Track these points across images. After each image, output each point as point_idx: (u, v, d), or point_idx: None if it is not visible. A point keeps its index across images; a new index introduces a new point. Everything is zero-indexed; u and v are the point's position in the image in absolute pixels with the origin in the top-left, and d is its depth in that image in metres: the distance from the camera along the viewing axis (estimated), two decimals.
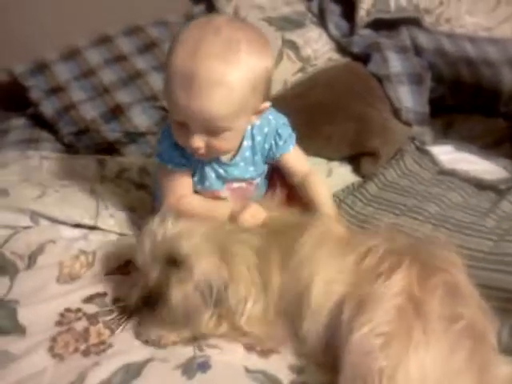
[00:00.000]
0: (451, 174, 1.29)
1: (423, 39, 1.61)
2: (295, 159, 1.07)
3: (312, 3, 1.71)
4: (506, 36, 1.78)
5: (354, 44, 1.59)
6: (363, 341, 0.77)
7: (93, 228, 1.13)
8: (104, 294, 0.99)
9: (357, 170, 1.38)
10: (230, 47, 0.83)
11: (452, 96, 1.60)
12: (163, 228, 0.89)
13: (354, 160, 1.40)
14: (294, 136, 1.05)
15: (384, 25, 1.64)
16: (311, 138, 1.37)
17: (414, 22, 1.66)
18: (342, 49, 1.62)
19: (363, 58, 1.57)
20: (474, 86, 1.61)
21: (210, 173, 1.00)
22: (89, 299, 0.97)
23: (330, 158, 1.40)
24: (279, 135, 1.02)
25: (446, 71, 1.59)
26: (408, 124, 1.48)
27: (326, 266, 0.84)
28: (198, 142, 0.89)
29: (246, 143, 1.00)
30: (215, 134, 0.89)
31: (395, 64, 1.52)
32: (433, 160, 1.36)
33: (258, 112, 0.94)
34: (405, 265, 0.80)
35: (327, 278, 0.83)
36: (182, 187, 1.00)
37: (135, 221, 1.17)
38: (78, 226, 1.13)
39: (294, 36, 1.58)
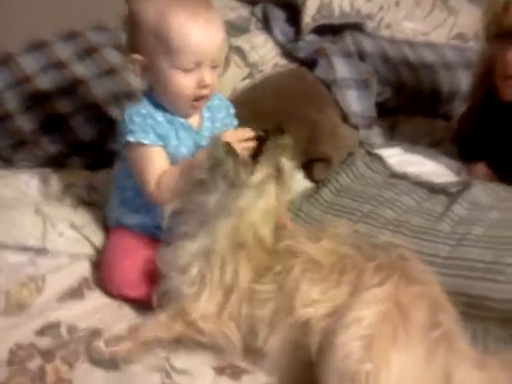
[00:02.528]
0: (402, 177, 1.32)
1: (367, 44, 1.65)
2: None
3: (256, 8, 1.69)
4: (440, 40, 1.86)
5: (300, 49, 1.59)
6: (348, 343, 0.77)
7: (41, 251, 1.06)
8: (58, 324, 0.92)
9: (309, 175, 1.39)
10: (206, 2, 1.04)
11: (396, 98, 1.64)
12: None
13: (307, 166, 1.40)
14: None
15: (328, 30, 1.65)
16: None
17: (357, 28, 1.69)
18: (288, 54, 1.62)
19: (309, 64, 1.57)
20: (414, 88, 1.68)
21: (187, 138, 1.05)
22: (41, 331, 0.91)
23: None
24: (228, 106, 1.15)
25: (390, 75, 1.63)
26: (356, 128, 1.50)
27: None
28: (209, 77, 1.01)
29: (206, 114, 1.10)
30: (213, 70, 1.02)
31: (342, 69, 1.54)
32: (383, 163, 1.38)
33: None
34: (394, 278, 0.81)
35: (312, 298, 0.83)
36: (161, 164, 1.01)
37: (86, 239, 1.11)
38: (24, 249, 1.05)
39: (240, 41, 1.56)
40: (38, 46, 1.53)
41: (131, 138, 1.00)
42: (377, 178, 1.33)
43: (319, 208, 1.25)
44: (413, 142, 1.56)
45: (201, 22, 0.99)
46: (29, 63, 1.49)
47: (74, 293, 1.01)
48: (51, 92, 1.44)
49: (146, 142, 1.01)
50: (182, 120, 1.06)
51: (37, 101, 1.42)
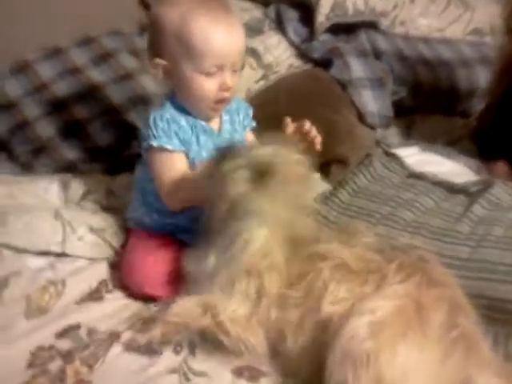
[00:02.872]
0: (421, 177, 1.30)
1: (382, 42, 1.63)
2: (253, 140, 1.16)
3: (269, 9, 1.69)
4: (456, 36, 1.84)
5: (314, 50, 1.58)
6: (358, 326, 0.78)
7: (60, 255, 1.07)
8: (77, 326, 0.94)
9: (327, 177, 1.38)
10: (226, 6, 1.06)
11: (412, 97, 1.63)
12: None
13: (324, 167, 1.39)
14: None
15: (342, 29, 1.64)
16: None
17: (372, 26, 1.67)
18: (302, 55, 1.61)
19: (324, 64, 1.57)
20: (431, 86, 1.65)
21: (207, 142, 1.06)
22: (62, 334, 0.92)
23: None
24: (247, 107, 1.16)
25: (405, 73, 1.61)
26: (373, 128, 1.49)
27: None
28: (231, 80, 1.02)
29: (225, 117, 1.11)
30: (235, 73, 1.03)
31: (357, 69, 1.53)
32: (401, 163, 1.37)
33: None
34: (416, 278, 0.81)
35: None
36: (181, 171, 1.02)
37: (105, 242, 1.12)
38: (44, 253, 1.07)
39: (255, 43, 1.56)
40: (54, 53, 1.55)
41: (155, 143, 1.01)
42: (394, 178, 1.32)
43: (336, 210, 1.24)
44: (430, 140, 1.53)
45: (222, 25, 1.00)
46: (46, 70, 1.51)
47: (94, 295, 1.02)
48: (68, 98, 1.46)
49: (169, 147, 1.01)
50: (204, 124, 1.07)
51: (55, 107, 1.44)
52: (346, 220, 1.19)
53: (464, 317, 0.80)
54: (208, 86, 1.02)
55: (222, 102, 1.04)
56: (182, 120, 1.05)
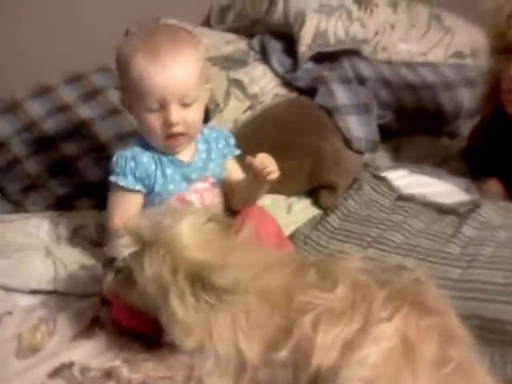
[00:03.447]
0: (410, 199, 1.32)
1: (365, 69, 1.66)
2: (236, 168, 1.18)
3: (253, 41, 1.72)
4: (438, 60, 1.88)
5: (299, 78, 1.61)
6: (348, 381, 0.75)
7: (52, 292, 1.07)
8: (71, 365, 0.92)
9: (316, 202, 1.39)
10: (174, 32, 1.07)
11: (397, 121, 1.65)
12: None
13: (313, 193, 1.40)
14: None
15: (326, 58, 1.67)
16: None
17: (354, 53, 1.71)
18: (287, 84, 1.63)
19: (309, 92, 1.59)
20: (416, 109, 1.68)
21: (173, 174, 1.07)
22: (54, 373, 0.90)
23: (287, 194, 1.40)
24: (228, 136, 1.17)
25: (390, 98, 1.64)
26: (360, 153, 1.51)
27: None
28: (177, 116, 1.01)
29: (202, 146, 1.12)
30: (187, 107, 1.03)
31: (342, 95, 1.55)
32: (390, 186, 1.38)
33: (206, 91, 1.10)
34: (404, 310, 0.79)
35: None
36: (131, 209, 1.05)
37: (96, 278, 1.12)
38: (35, 292, 1.06)
39: (239, 74, 1.58)
40: (43, 91, 1.55)
41: (112, 179, 1.07)
42: (384, 201, 1.33)
43: (327, 234, 1.24)
44: (419, 162, 1.55)
45: (158, 60, 1.00)
46: (35, 108, 1.51)
47: (86, 332, 1.01)
48: (57, 135, 1.46)
49: (122, 183, 1.05)
50: (171, 157, 1.08)
51: (44, 145, 1.44)
52: (336, 244, 1.19)
53: (457, 346, 0.78)
54: (152, 122, 1.03)
55: (172, 137, 1.04)
56: (144, 157, 1.07)
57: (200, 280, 0.83)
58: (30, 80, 1.56)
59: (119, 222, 1.02)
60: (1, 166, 1.42)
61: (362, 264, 0.90)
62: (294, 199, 1.40)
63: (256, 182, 1.10)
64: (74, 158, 1.42)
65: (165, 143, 1.05)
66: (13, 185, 1.40)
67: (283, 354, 0.81)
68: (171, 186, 1.07)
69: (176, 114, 1.01)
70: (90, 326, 1.03)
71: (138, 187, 1.06)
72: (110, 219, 1.07)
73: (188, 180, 1.09)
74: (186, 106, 1.02)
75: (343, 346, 0.78)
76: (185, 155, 1.10)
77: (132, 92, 1.04)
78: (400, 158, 1.64)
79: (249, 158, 1.07)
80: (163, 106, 1.01)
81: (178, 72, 1.01)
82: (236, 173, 1.18)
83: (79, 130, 1.47)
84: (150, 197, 1.08)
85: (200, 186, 1.11)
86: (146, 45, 1.02)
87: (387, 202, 1.33)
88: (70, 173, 1.41)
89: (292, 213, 1.36)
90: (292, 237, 1.27)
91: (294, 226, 1.32)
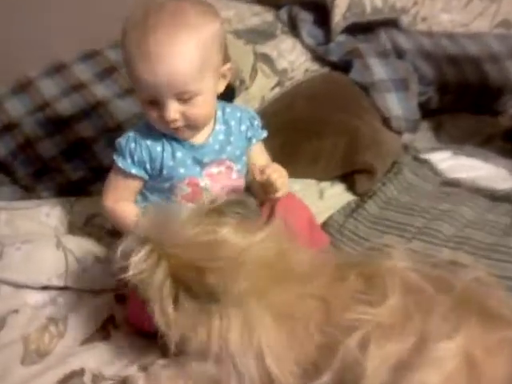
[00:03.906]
0: (456, 184, 1.19)
1: (403, 41, 1.52)
2: (263, 152, 1.06)
3: (281, 12, 1.60)
4: (482, 31, 1.72)
5: (332, 52, 1.48)
6: None
7: (63, 288, 0.98)
8: (81, 372, 0.83)
9: (351, 188, 1.27)
10: (176, 13, 0.88)
11: (439, 97, 1.51)
12: None
13: (347, 177, 1.29)
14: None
15: (360, 29, 1.54)
16: (296, 159, 1.27)
17: (392, 24, 1.56)
18: (318, 58, 1.51)
19: (343, 67, 1.46)
20: (459, 84, 1.54)
21: (184, 157, 0.96)
22: (63, 382, 0.81)
23: (319, 179, 1.29)
24: (253, 117, 1.03)
25: (431, 72, 1.50)
26: (399, 133, 1.38)
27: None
28: (173, 113, 0.89)
29: (219, 127, 0.98)
30: (187, 101, 0.89)
31: (379, 70, 1.42)
32: (433, 169, 1.25)
33: (224, 75, 0.95)
34: (470, 322, 0.67)
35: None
36: (126, 191, 0.98)
37: (111, 273, 1.02)
38: (45, 288, 0.97)
39: (267, 48, 1.46)
40: (56, 69, 1.48)
41: (114, 156, 0.97)
42: (427, 186, 1.20)
43: (365, 224, 1.13)
44: (461, 142, 1.43)
45: (147, 55, 0.85)
46: (48, 87, 1.44)
47: (99, 334, 0.92)
48: (72, 116, 1.38)
49: (119, 164, 0.96)
50: (180, 139, 0.96)
51: (57, 126, 1.37)
52: (376, 235, 1.07)
53: None
54: (150, 113, 0.91)
55: (175, 130, 0.92)
56: (149, 138, 0.95)
57: (188, 282, 0.73)
58: (43, 57, 1.48)
59: (111, 202, 0.98)
60: (12, 149, 1.35)
61: (409, 260, 0.77)
62: (326, 184, 1.29)
63: (263, 194, 0.98)
64: (89, 140, 1.34)
65: (172, 132, 0.94)
66: (24, 169, 1.32)
67: (325, 378, 0.70)
68: (181, 170, 0.96)
69: (173, 110, 0.88)
70: (103, 327, 0.94)
71: (133, 171, 0.95)
72: (104, 195, 0.99)
73: (201, 164, 0.97)
74: (184, 100, 0.89)
75: (397, 368, 0.66)
76: (199, 137, 0.98)
77: (127, 74, 0.92)
78: (441, 138, 1.51)
79: (256, 171, 0.93)
80: (158, 100, 0.89)
81: (171, 68, 0.85)
82: (260, 158, 1.05)
83: (95, 109, 1.39)
84: (159, 181, 0.97)
85: (214, 170, 0.99)
86: (140, 26, 0.86)
87: (431, 187, 1.20)
88: (85, 156, 1.33)
89: (324, 199, 1.26)
90: (325, 225, 1.16)
91: (327, 213, 1.22)
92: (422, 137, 1.48)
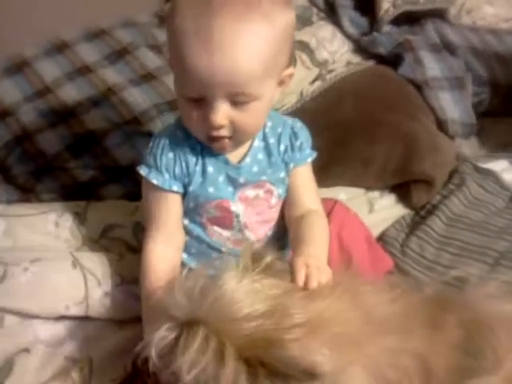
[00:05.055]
0: None
1: (452, 35, 1.38)
2: (307, 182, 0.86)
3: None
4: None
5: (379, 44, 1.32)
6: None
7: (83, 318, 0.80)
8: None
9: (403, 200, 1.12)
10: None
11: (490, 100, 1.37)
12: None
13: (398, 187, 1.13)
14: (311, 145, 0.87)
15: (406, 20, 1.38)
16: (344, 163, 1.12)
17: (438, 15, 1.42)
18: (361, 49, 1.35)
19: (390, 60, 1.30)
20: (509, 86, 1.40)
21: (215, 174, 0.80)
22: None
23: (368, 188, 1.13)
24: (295, 134, 0.84)
25: (483, 72, 1.36)
26: (452, 138, 1.23)
27: None
28: (222, 117, 0.72)
29: (258, 144, 0.82)
30: (241, 106, 0.73)
31: (432, 66, 1.27)
32: (498, 182, 1.11)
33: (282, 82, 0.78)
34: None
35: None
36: (171, 218, 0.81)
37: (137, 297, 0.84)
38: (60, 318, 0.79)
39: (305, 36, 1.29)
40: (58, 48, 1.31)
41: (142, 170, 0.81)
42: (497, 202, 1.06)
43: (432, 244, 0.98)
44: (504, 148, 1.29)
45: (207, 37, 0.68)
46: (49, 69, 1.28)
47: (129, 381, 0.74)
48: (78, 104, 1.21)
49: (154, 181, 0.80)
50: (216, 152, 0.79)
51: (61, 116, 1.19)
52: (449, 259, 0.92)
53: None
54: (190, 113, 0.75)
55: (214, 139, 0.76)
56: (188, 145, 0.79)
57: (259, 362, 0.56)
58: (43, 35, 1.33)
59: (155, 230, 0.81)
60: (6, 141, 1.16)
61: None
62: (375, 194, 1.14)
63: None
64: (99, 134, 1.16)
65: (206, 141, 0.77)
66: (21, 166, 1.13)
67: None
68: (211, 189, 0.80)
69: (221, 114, 0.72)
70: (134, 366, 0.75)
71: (175, 188, 0.79)
72: (147, 227, 0.82)
73: (235, 184, 0.81)
74: (238, 104, 0.73)
75: None
76: (234, 154, 0.81)
77: (172, 62, 0.75)
78: (483, 143, 1.37)
79: (298, 278, 0.68)
80: (206, 99, 0.72)
81: (234, 62, 0.69)
82: (301, 190, 0.85)
83: (105, 98, 1.22)
84: (184, 199, 0.81)
85: (251, 193, 0.82)
86: (201, 4, 0.69)
87: (501, 203, 1.06)
88: (94, 152, 1.15)
89: (375, 211, 1.10)
90: (381, 243, 1.01)
91: (379, 228, 1.07)
92: (466, 143, 1.35)
